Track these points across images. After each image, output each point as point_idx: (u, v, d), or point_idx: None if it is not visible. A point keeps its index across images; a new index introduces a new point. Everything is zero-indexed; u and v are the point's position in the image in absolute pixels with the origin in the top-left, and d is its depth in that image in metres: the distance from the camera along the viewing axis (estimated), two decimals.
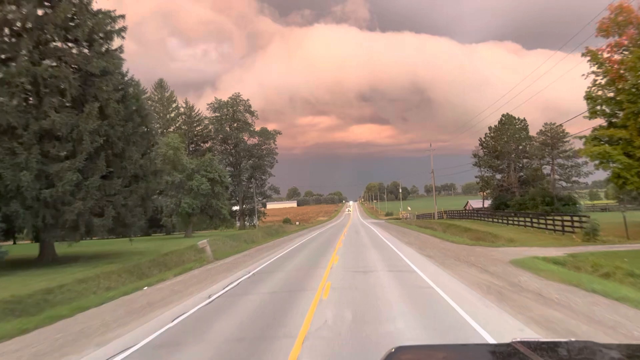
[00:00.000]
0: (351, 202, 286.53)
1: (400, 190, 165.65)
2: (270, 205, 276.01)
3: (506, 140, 64.04)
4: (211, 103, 77.06)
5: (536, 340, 2.34)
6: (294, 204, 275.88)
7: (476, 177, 70.41)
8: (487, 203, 72.64)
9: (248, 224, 77.58)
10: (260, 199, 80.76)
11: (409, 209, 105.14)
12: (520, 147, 64.51)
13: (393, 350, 2.28)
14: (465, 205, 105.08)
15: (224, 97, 78.15)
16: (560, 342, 2.41)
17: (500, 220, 42.98)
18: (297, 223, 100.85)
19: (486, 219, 48.03)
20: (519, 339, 2.27)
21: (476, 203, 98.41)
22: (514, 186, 63.32)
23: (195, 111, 79.08)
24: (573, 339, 2.46)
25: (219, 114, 76.62)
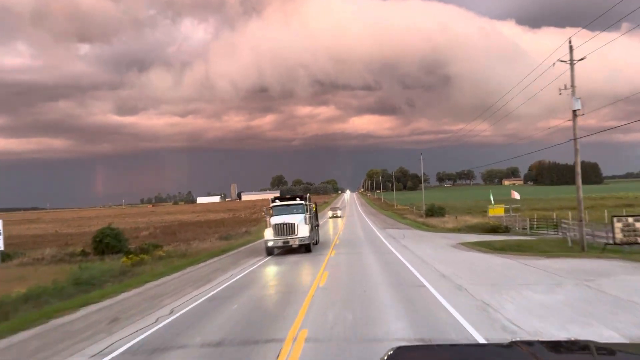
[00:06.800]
0: (348, 193, 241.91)
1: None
2: (246, 197, 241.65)
3: None
4: None
5: (537, 340, 2.47)
6: (276, 195, 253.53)
7: None
8: None
9: None
10: None
11: (517, 196, 42.29)
12: None
13: (392, 351, 2.26)
14: None
15: None
16: (560, 342, 2.56)
17: None
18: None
19: None
20: (519, 339, 2.43)
21: None
22: None
23: None
24: (573, 339, 2.58)
25: None
